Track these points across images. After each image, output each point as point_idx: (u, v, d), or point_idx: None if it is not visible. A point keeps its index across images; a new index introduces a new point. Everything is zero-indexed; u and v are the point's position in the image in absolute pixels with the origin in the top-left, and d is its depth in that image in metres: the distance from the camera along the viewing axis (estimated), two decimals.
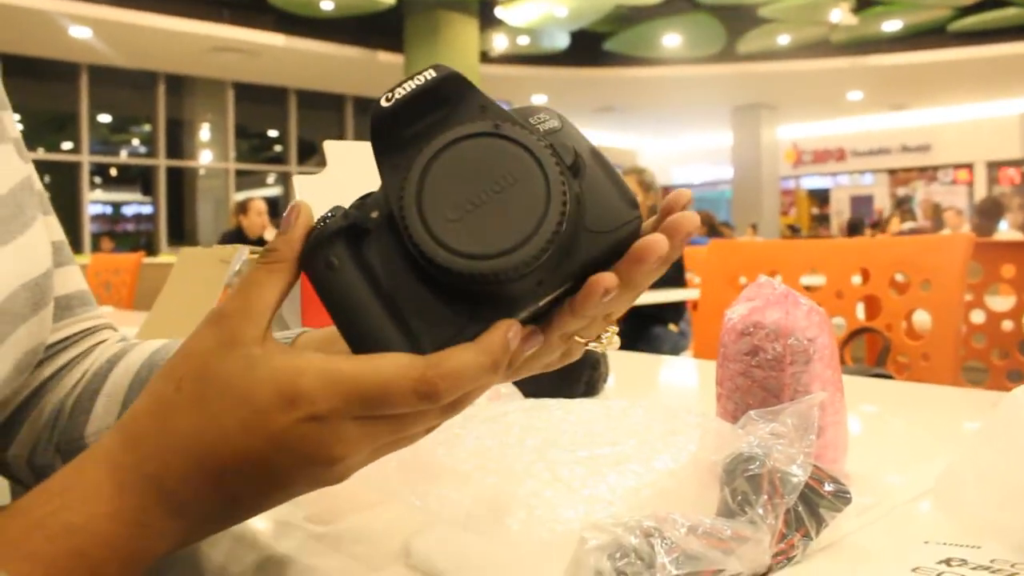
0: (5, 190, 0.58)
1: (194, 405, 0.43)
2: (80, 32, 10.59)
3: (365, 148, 0.95)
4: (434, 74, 0.42)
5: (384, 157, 0.43)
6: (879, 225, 12.51)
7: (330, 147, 0.94)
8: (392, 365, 0.41)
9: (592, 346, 0.50)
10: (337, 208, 0.44)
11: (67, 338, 0.69)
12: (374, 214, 0.43)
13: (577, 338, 0.49)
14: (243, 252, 1.01)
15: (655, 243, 0.42)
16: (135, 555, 0.42)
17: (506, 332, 0.41)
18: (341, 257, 0.42)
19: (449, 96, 0.42)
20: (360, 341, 0.42)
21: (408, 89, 0.42)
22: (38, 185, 0.68)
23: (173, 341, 0.68)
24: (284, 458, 0.42)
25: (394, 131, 0.42)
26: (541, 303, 0.42)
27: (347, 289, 0.42)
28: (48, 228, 0.67)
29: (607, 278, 0.42)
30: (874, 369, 1.38)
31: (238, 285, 0.45)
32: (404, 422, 0.43)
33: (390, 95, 0.42)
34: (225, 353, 0.43)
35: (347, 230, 0.43)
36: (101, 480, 0.43)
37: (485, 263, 0.39)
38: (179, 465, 0.42)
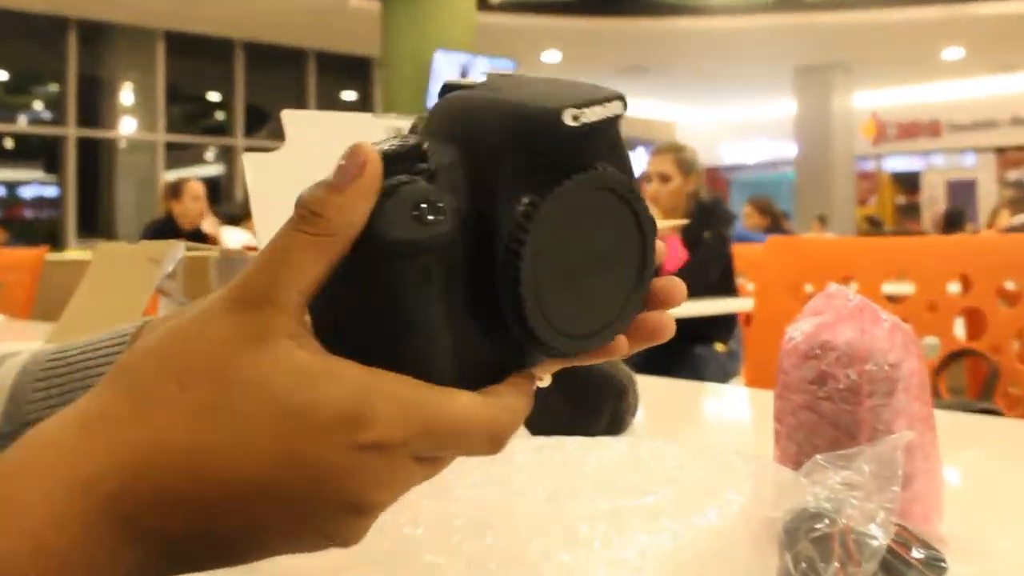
0: None
1: (204, 412, 0.40)
2: None
3: (334, 120, 0.96)
4: (621, 106, 0.44)
5: (505, 178, 0.43)
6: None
7: (291, 118, 0.95)
8: (472, 403, 0.42)
9: None
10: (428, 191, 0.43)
11: None
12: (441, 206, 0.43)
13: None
14: (178, 250, 1.02)
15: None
16: None
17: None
18: (439, 275, 0.42)
19: (613, 135, 0.45)
20: (423, 369, 0.42)
21: (599, 116, 0.43)
22: None
23: (11, 354, 0.67)
24: (314, 495, 0.40)
25: (538, 152, 0.43)
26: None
27: (427, 305, 0.42)
28: None
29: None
30: (977, 403, 1.38)
31: (263, 255, 0.43)
32: (440, 467, 0.44)
33: (578, 115, 0.43)
34: (255, 349, 0.41)
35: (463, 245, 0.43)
36: (49, 493, 0.40)
37: (576, 343, 0.45)
38: (166, 486, 0.40)
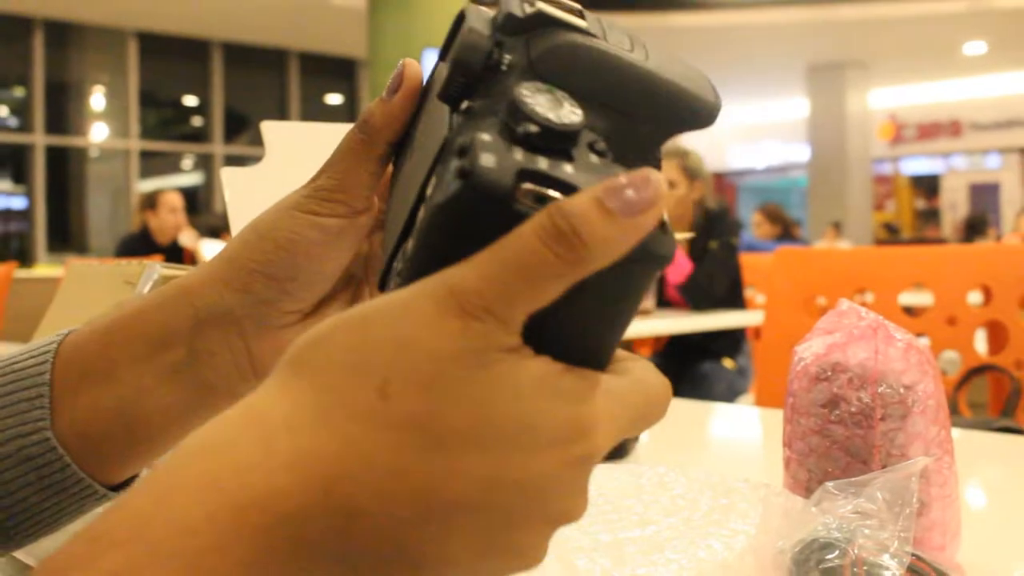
0: None
1: (412, 428, 0.37)
2: None
3: (315, 132, 0.96)
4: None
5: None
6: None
7: (269, 129, 0.95)
8: (646, 377, 0.43)
9: None
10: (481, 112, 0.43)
11: None
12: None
13: None
14: (153, 270, 1.02)
15: None
16: None
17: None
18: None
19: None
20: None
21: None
22: None
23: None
24: (521, 510, 0.39)
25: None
26: None
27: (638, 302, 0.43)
28: None
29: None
30: (999, 421, 1.38)
31: (487, 259, 0.38)
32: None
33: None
34: (476, 364, 0.38)
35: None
36: (166, 538, 0.36)
37: None
38: (347, 507, 0.37)
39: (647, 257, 0.40)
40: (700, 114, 0.45)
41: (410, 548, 0.37)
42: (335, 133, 0.97)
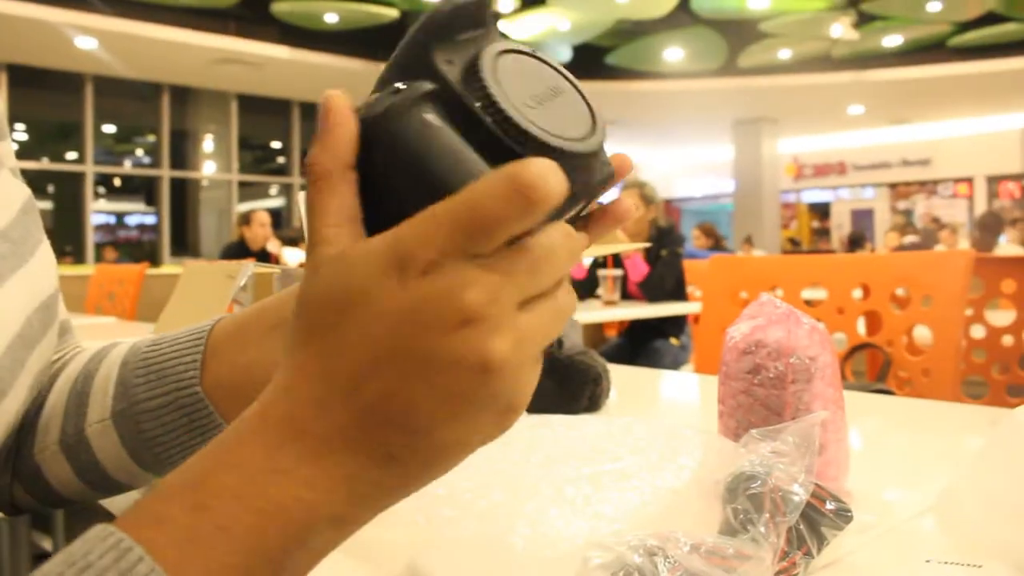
0: (14, 211, 0.59)
1: (306, 337, 0.36)
2: (86, 43, 10.62)
3: None
4: None
5: (437, 50, 0.43)
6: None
7: None
8: (480, 184, 0.34)
9: None
10: (391, 84, 0.43)
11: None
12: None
13: None
14: (249, 267, 1.02)
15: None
16: (279, 508, 0.34)
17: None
18: (436, 116, 0.40)
19: (486, 21, 0.45)
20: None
21: (460, 1, 0.44)
22: (35, 203, 0.70)
23: (108, 348, 0.69)
24: (420, 340, 0.34)
25: (449, 31, 0.44)
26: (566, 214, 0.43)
27: (448, 142, 0.39)
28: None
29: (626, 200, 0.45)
30: (875, 385, 1.38)
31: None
32: (533, 261, 0.35)
33: (447, 2, 0.44)
34: (313, 275, 0.36)
35: (434, 95, 0.41)
36: (220, 440, 0.36)
37: (571, 143, 0.41)
38: (307, 394, 0.35)
39: (376, 121, 0.42)
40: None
41: (366, 413, 0.35)
42: None
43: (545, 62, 0.44)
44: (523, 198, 0.33)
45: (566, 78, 0.45)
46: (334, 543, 0.36)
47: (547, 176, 0.34)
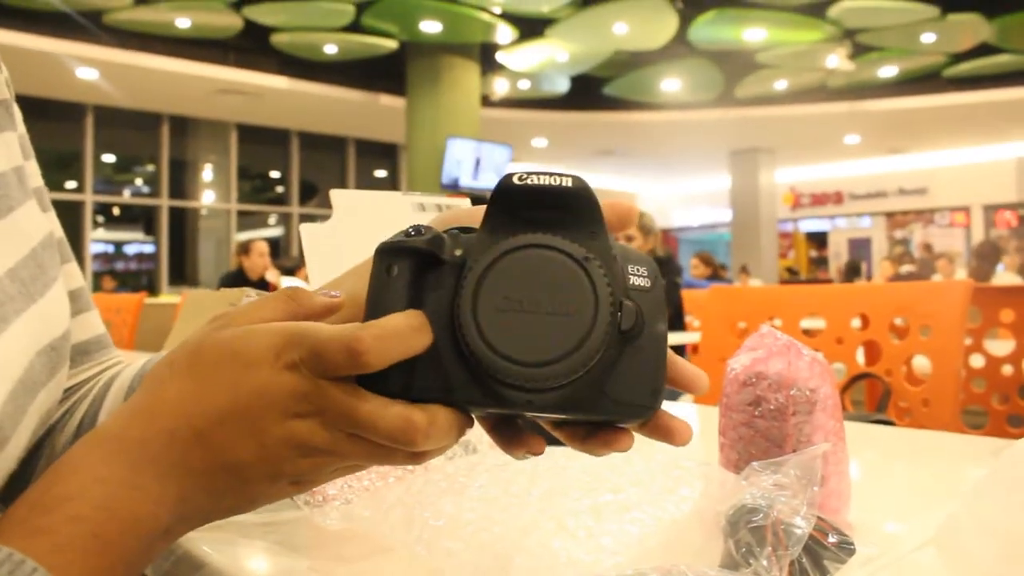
0: (27, 250, 0.59)
1: (184, 374, 0.43)
2: (87, 73, 10.69)
3: (371, 198, 0.96)
4: (570, 183, 0.44)
5: (488, 221, 0.44)
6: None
7: (337, 196, 0.95)
8: (345, 327, 0.42)
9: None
10: (429, 228, 0.45)
11: (81, 382, 0.71)
12: (457, 252, 0.44)
13: None
14: (249, 296, 1.02)
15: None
16: (136, 519, 0.41)
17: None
18: (402, 270, 0.44)
19: (573, 207, 0.44)
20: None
21: (541, 181, 0.43)
22: (59, 233, 0.70)
23: (148, 363, 0.69)
24: (266, 412, 0.42)
25: (509, 206, 0.44)
26: (524, 415, 0.44)
27: (386, 295, 0.44)
28: (68, 276, 0.69)
29: (626, 440, 0.45)
30: (875, 415, 1.37)
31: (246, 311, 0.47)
32: (361, 414, 0.43)
33: (524, 176, 0.44)
34: (219, 331, 0.45)
35: (423, 253, 0.44)
36: (88, 453, 0.43)
37: (516, 367, 0.41)
38: (164, 425, 0.42)
39: (375, 255, 0.46)
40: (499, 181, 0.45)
41: (212, 448, 0.43)
42: (385, 198, 0.97)
43: (589, 274, 0.43)
44: (354, 352, 0.41)
45: (595, 294, 0.43)
46: (160, 551, 0.44)
47: (385, 336, 0.41)
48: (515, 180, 0.44)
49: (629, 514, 0.57)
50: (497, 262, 0.42)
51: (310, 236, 0.94)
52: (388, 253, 0.44)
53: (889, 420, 1.34)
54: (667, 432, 0.46)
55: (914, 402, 1.64)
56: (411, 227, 0.45)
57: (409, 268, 0.44)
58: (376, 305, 0.44)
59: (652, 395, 0.43)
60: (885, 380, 1.62)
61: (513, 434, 0.46)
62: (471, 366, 0.42)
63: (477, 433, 0.83)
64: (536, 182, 0.43)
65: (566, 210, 0.43)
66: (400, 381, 0.43)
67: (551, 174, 0.44)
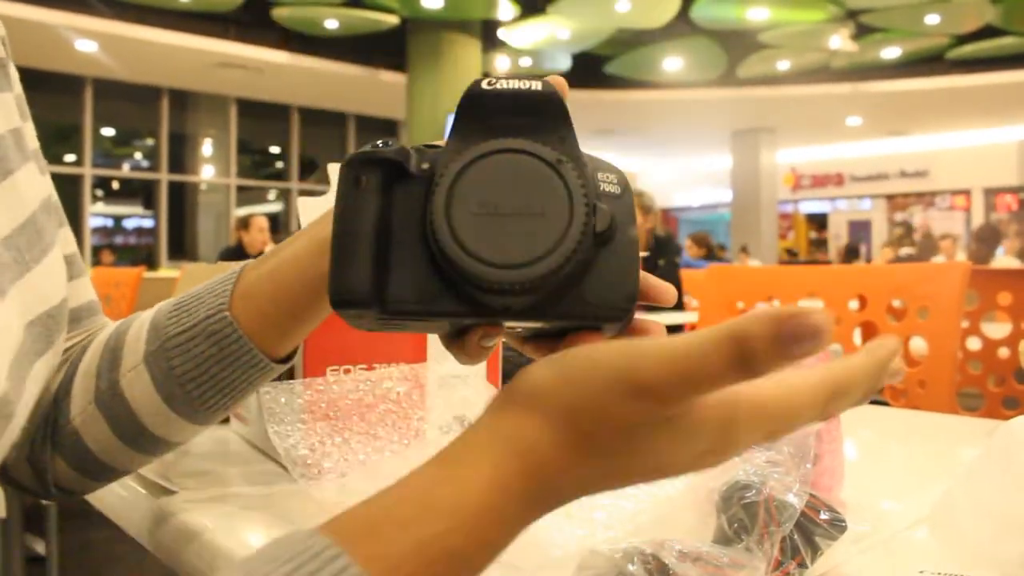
0: (26, 215, 0.59)
1: (571, 406, 0.37)
2: (86, 46, 10.64)
3: None
4: (539, 87, 0.43)
5: (457, 130, 0.44)
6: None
7: (334, 169, 0.95)
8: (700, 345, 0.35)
9: None
10: (397, 142, 0.45)
11: (70, 348, 0.71)
12: (424, 165, 0.44)
13: None
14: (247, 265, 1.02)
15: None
16: (491, 544, 0.36)
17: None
18: (371, 181, 0.43)
19: (541, 112, 0.43)
20: (338, 268, 0.43)
21: (510, 85, 0.43)
22: (55, 197, 0.70)
23: (139, 313, 0.70)
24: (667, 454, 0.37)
25: (478, 113, 0.43)
26: (504, 324, 0.45)
27: (356, 211, 0.43)
28: (62, 241, 0.69)
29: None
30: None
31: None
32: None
33: (493, 81, 0.43)
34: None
35: (390, 163, 0.43)
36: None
37: (481, 267, 0.40)
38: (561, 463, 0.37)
39: (342, 168, 0.44)
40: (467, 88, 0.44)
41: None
42: None
43: (562, 176, 0.42)
44: (738, 360, 0.33)
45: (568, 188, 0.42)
46: None
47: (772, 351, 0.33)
48: (483, 85, 0.43)
49: (624, 489, 0.57)
50: (469, 167, 0.42)
51: (307, 209, 0.93)
52: (356, 164, 0.44)
53: (884, 401, 1.35)
54: (642, 333, 0.45)
55: (910, 383, 1.64)
56: (378, 140, 0.45)
57: (378, 178, 0.43)
58: (345, 218, 0.43)
59: (628, 299, 0.44)
60: None
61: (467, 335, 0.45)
62: (445, 274, 0.42)
63: (473, 409, 0.83)
64: (505, 86, 0.43)
65: (536, 115, 0.43)
66: (373, 294, 0.42)
67: (519, 78, 0.43)
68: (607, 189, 0.44)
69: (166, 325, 0.64)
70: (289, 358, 0.66)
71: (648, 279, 0.48)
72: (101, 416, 0.64)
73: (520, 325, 0.45)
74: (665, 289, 0.48)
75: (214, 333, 0.62)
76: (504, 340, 0.49)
